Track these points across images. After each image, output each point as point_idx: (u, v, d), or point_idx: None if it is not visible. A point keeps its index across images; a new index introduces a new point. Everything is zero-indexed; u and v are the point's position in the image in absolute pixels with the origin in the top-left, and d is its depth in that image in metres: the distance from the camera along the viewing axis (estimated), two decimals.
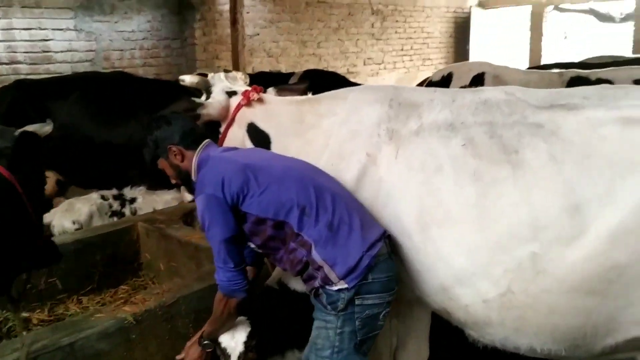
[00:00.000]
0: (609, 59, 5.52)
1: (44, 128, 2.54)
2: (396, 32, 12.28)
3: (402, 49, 12.53)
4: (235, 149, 2.66)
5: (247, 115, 2.95)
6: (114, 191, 4.46)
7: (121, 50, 7.77)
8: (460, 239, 2.22)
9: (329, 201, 2.31)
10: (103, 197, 4.36)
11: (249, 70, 8.53)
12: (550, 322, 2.09)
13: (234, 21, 7.61)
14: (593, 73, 4.78)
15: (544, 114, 2.16)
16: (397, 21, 12.23)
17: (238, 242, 2.36)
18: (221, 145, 2.92)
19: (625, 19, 14.59)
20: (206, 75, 3.20)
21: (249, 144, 2.91)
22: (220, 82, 3.10)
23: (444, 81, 5.48)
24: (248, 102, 2.96)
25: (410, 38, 12.71)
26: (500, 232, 2.11)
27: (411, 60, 12.84)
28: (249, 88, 3.03)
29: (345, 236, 2.26)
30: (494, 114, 2.29)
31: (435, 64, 13.20)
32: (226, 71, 3.32)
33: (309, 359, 2.37)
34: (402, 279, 2.47)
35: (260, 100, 2.98)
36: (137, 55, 7.95)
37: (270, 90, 3.23)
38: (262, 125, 2.91)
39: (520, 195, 2.08)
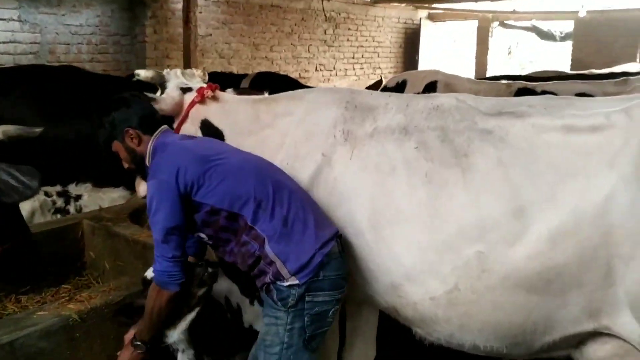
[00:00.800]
0: (553, 73, 5.80)
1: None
2: (348, 40, 12.44)
3: (353, 57, 12.70)
4: (193, 137, 2.63)
5: (201, 112, 2.94)
6: (58, 187, 4.31)
7: (67, 44, 7.54)
8: (411, 238, 2.28)
9: (285, 197, 2.32)
10: (46, 194, 4.20)
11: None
12: (493, 319, 2.18)
13: (187, 20, 7.54)
14: (539, 85, 5.00)
15: (493, 121, 2.25)
16: (349, 29, 12.39)
17: (181, 233, 2.31)
18: None
19: (564, 37, 15.31)
20: None
21: None
22: (175, 78, 3.07)
23: (399, 87, 5.61)
24: (202, 99, 2.94)
25: (362, 46, 12.90)
26: (449, 232, 2.19)
27: (362, 68, 13.02)
28: (205, 85, 3.02)
29: (299, 233, 2.27)
30: (446, 119, 2.37)
31: (385, 73, 13.43)
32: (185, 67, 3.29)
33: (258, 356, 2.36)
34: (354, 278, 2.51)
35: (215, 98, 2.97)
36: (85, 50, 7.74)
37: (229, 91, 3.22)
38: (216, 122, 2.90)
39: (469, 197, 2.16)
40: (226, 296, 2.90)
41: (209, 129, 2.90)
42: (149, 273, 2.59)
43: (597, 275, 1.99)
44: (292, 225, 2.27)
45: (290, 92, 2.91)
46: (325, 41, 11.83)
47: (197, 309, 2.55)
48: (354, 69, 12.73)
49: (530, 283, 2.07)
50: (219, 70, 8.92)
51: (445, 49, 15.24)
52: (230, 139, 2.85)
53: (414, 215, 2.27)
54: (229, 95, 3.08)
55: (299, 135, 2.66)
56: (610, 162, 1.95)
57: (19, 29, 7.00)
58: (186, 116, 2.95)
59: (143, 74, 3.09)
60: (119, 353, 2.51)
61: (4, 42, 6.90)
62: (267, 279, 2.26)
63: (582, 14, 12.39)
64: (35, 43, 7.20)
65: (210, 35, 9.40)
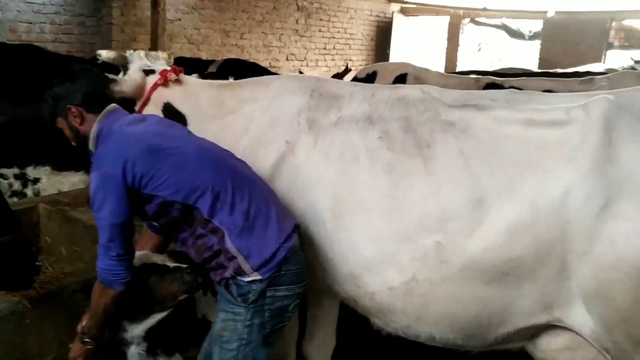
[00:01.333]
0: (520, 70, 5.88)
1: None
2: (320, 31, 12.39)
3: (324, 48, 12.67)
4: (144, 120, 2.42)
5: (163, 95, 2.86)
6: (16, 170, 4.17)
7: (30, 22, 7.32)
8: (371, 228, 2.27)
9: (246, 189, 2.22)
10: (2, 176, 4.07)
11: None
12: (450, 310, 2.19)
13: (155, 3, 7.39)
14: (506, 81, 5.05)
15: (456, 113, 2.26)
16: (321, 19, 12.34)
17: (128, 229, 2.17)
18: None
19: (533, 36, 15.55)
20: None
21: None
22: (138, 60, 2.98)
23: (369, 78, 5.61)
24: (165, 82, 2.87)
25: (334, 38, 12.88)
26: (409, 222, 2.18)
27: (333, 59, 13.01)
28: (169, 68, 2.95)
29: (262, 227, 2.18)
30: (410, 110, 2.36)
31: (356, 65, 13.43)
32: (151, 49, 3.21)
33: (213, 352, 2.29)
34: (313, 268, 2.49)
35: (178, 81, 2.90)
36: (48, 30, 7.52)
37: (194, 76, 3.16)
38: (179, 106, 2.84)
39: (430, 187, 2.16)
40: None
41: (171, 113, 2.83)
42: None
43: (552, 268, 2.01)
44: (254, 219, 2.18)
45: (256, 78, 2.87)
46: (297, 31, 11.76)
47: (169, 311, 2.45)
48: (325, 60, 12.70)
49: (487, 275, 2.09)
50: (187, 56, 8.79)
51: (417, 43, 15.32)
52: (193, 124, 2.79)
53: (374, 204, 2.27)
54: (193, 79, 3.02)
55: (263, 122, 2.63)
56: (568, 157, 1.97)
57: None
58: (148, 99, 2.87)
59: (105, 54, 3.00)
60: (70, 345, 2.41)
61: None
62: (227, 274, 2.17)
63: (550, 14, 12.62)
64: None
65: (180, 19, 9.25)
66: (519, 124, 2.12)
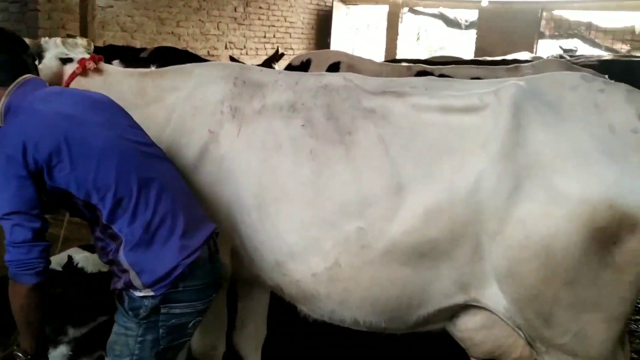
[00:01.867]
0: (450, 59, 6.03)
1: None
2: (259, 19, 12.27)
3: (264, 36, 12.56)
4: (61, 95, 2.21)
5: (82, 84, 2.76)
6: None
7: None
8: (294, 216, 2.28)
9: (152, 196, 2.04)
10: None
11: (100, 44, 8.01)
12: (371, 294, 2.23)
13: None
14: (437, 69, 5.15)
15: (376, 100, 2.29)
16: (260, 7, 12.22)
17: (34, 214, 1.96)
18: None
19: (469, 26, 15.90)
20: None
21: None
22: (54, 48, 2.86)
23: (303, 66, 5.58)
24: (84, 71, 2.77)
25: (273, 26, 12.78)
26: (331, 208, 2.21)
27: (273, 48, 12.77)
28: (87, 56, 2.85)
29: (161, 242, 2.01)
30: (333, 97, 2.37)
31: (297, 53, 13.39)
32: (69, 36, 3.08)
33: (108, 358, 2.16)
34: (241, 258, 2.49)
35: (98, 70, 2.81)
36: None
37: (115, 63, 3.06)
38: None
39: (351, 174, 2.19)
40: None
41: None
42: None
43: (467, 250, 2.08)
44: (154, 232, 2.00)
45: (178, 66, 2.81)
46: (235, 19, 11.61)
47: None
48: (265, 48, 12.58)
49: (406, 258, 2.13)
50: (120, 44, 8.51)
51: (358, 32, 15.40)
52: None
53: (297, 192, 2.27)
54: (113, 67, 2.93)
55: (185, 111, 2.58)
56: (481, 142, 2.03)
57: None
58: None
59: None
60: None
61: None
62: (119, 285, 2.03)
63: (484, 3, 12.95)
64: None
65: (112, 6, 8.95)
66: (436, 110, 2.16)
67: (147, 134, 2.31)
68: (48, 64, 2.78)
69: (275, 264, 2.38)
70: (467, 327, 2.30)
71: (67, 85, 2.75)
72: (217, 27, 11.17)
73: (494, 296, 2.12)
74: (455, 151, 2.08)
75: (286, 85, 2.50)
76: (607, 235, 1.90)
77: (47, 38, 2.93)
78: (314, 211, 2.24)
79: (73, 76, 2.76)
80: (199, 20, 10.69)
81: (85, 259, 2.80)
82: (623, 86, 2.09)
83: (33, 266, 1.95)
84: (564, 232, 1.91)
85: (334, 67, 5.35)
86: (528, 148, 1.97)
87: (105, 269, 2.64)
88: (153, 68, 2.99)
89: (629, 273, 1.95)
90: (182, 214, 2.08)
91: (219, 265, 2.24)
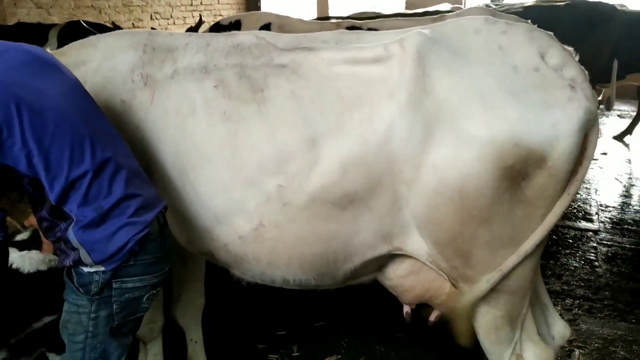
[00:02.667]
0: (373, 14, 6.01)
1: None
2: None
3: (191, 4, 12.14)
4: (4, 52, 1.97)
5: None
6: None
7: None
8: (215, 179, 2.25)
9: (106, 177, 1.96)
10: None
11: (13, 22, 7.57)
12: (297, 252, 2.25)
13: None
14: (365, 23, 5.12)
15: (288, 56, 2.26)
16: None
17: None
18: None
19: None
20: None
21: None
22: None
23: (232, 28, 5.42)
24: None
25: None
26: (250, 168, 2.19)
27: (201, 15, 12.52)
28: None
29: (113, 220, 1.95)
30: (245, 56, 2.33)
31: None
32: None
33: (63, 340, 2.11)
34: (172, 228, 2.45)
35: None
36: None
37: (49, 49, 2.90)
38: None
39: (266, 131, 2.17)
40: None
41: None
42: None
43: (385, 200, 2.11)
44: (106, 213, 1.93)
45: (79, 41, 2.68)
46: None
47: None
48: (192, 16, 12.18)
49: (327, 213, 2.15)
50: (36, 22, 8.05)
51: None
52: None
53: (215, 155, 2.24)
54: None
55: (96, 84, 2.47)
56: (389, 91, 2.04)
57: None
58: None
59: None
60: None
61: None
62: (68, 262, 1.98)
63: None
64: None
65: None
66: (345, 62, 2.16)
67: (97, 105, 2.17)
68: None
69: (203, 229, 2.36)
70: (395, 275, 2.37)
71: None
72: None
73: (416, 243, 2.18)
74: (364, 102, 2.09)
75: (197, 47, 2.43)
76: (516, 172, 1.97)
77: None
78: (234, 172, 2.22)
79: None
80: None
81: (20, 259, 2.59)
82: (524, 26, 2.14)
83: None
84: (475, 174, 1.97)
85: (265, 28, 5.24)
86: (434, 95, 2.00)
87: (43, 267, 2.53)
88: (48, 49, 2.81)
89: (540, 206, 2.04)
90: (134, 193, 2.02)
91: (170, 239, 2.20)
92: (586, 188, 6.79)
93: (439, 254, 2.14)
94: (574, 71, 2.04)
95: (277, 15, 5.77)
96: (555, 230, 5.54)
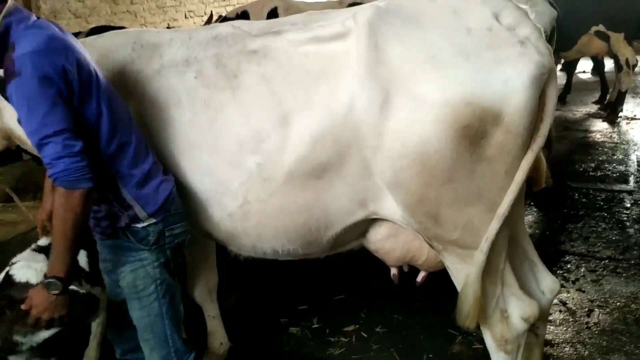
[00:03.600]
0: None
1: None
2: None
3: None
4: (63, 31, 2.18)
5: None
6: None
7: None
8: (202, 163, 2.43)
9: (142, 142, 2.31)
10: None
11: None
12: (281, 223, 2.39)
13: None
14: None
15: (259, 41, 2.39)
16: None
17: (75, 133, 2.00)
18: None
19: None
20: None
21: (2, 102, 2.87)
22: None
23: (240, 18, 5.58)
24: None
25: None
26: (231, 150, 2.35)
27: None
28: None
29: (154, 180, 2.28)
30: (221, 46, 2.48)
31: None
32: None
33: (132, 308, 2.38)
34: None
35: None
36: None
37: None
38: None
39: (241, 115, 2.32)
40: None
41: None
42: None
43: (355, 167, 2.22)
44: (148, 174, 2.26)
45: (80, 41, 2.89)
46: None
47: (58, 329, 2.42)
48: (226, 11, 12.46)
49: (304, 184, 2.28)
50: (77, 31, 8.50)
51: None
52: None
53: (200, 141, 2.41)
54: None
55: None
56: (348, 64, 2.14)
57: None
58: None
59: None
60: (29, 300, 2.11)
61: None
62: (122, 223, 2.25)
63: None
64: None
65: None
66: (309, 42, 2.28)
67: None
68: None
69: (198, 211, 2.54)
70: (376, 239, 2.47)
71: None
72: None
73: (390, 207, 2.28)
74: (329, 77, 2.20)
75: (180, 41, 2.60)
76: (473, 131, 2.03)
77: None
78: (217, 156, 2.38)
79: None
80: None
81: (24, 270, 2.72)
82: None
83: (88, 171, 2.00)
84: (433, 136, 2.04)
85: (273, 14, 5.37)
86: (388, 63, 2.08)
87: None
88: None
89: (502, 162, 2.09)
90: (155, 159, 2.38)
91: None
92: (623, 149, 6.59)
93: (410, 216, 2.23)
94: (528, 29, 2.08)
95: (281, 0, 5.86)
96: (587, 193, 5.45)
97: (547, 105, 2.11)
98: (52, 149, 1.95)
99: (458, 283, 2.34)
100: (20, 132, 2.99)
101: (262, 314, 3.86)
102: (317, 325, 3.71)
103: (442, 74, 2.03)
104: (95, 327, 3.05)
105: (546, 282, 2.55)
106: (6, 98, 2.10)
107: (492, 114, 2.01)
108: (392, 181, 2.18)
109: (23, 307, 2.13)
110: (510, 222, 2.23)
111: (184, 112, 2.44)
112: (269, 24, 2.50)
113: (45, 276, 2.05)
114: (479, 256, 2.20)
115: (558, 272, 4.09)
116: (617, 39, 7.18)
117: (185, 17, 11.38)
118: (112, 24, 9.38)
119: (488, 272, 2.26)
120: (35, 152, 2.47)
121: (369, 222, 2.42)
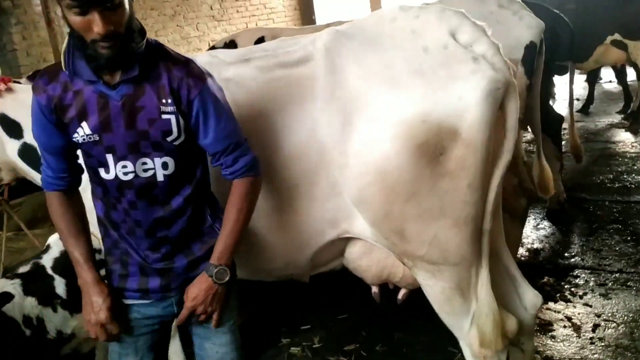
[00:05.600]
0: None
1: None
2: (238, 12, 12.43)
3: (246, 27, 12.71)
4: None
5: None
6: None
7: None
8: None
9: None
10: None
11: None
12: (263, 242, 2.45)
13: (49, 21, 7.47)
14: None
15: (232, 69, 2.49)
16: (237, 0, 12.38)
17: None
18: None
19: None
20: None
21: (3, 136, 3.04)
22: None
23: (228, 48, 5.68)
24: None
25: (254, 15, 12.91)
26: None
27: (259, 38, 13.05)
28: None
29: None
30: None
31: None
32: None
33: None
34: None
35: (10, 90, 3.09)
36: None
37: (24, 81, 3.34)
38: (12, 114, 3.02)
39: None
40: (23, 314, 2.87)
41: (7, 123, 3.03)
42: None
43: (325, 188, 2.28)
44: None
45: None
46: (213, 17, 11.81)
47: None
48: None
49: (278, 205, 2.35)
50: None
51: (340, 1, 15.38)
52: (28, 130, 3.00)
53: None
54: (22, 85, 3.19)
55: None
56: (311, 88, 2.22)
57: None
58: None
59: None
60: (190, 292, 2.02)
61: None
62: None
63: None
64: None
65: None
66: (277, 67, 2.36)
67: None
68: None
69: None
70: (352, 258, 2.51)
71: None
72: (197, 28, 11.42)
73: (360, 224, 2.32)
74: (295, 101, 2.28)
75: None
76: (431, 147, 2.07)
77: None
78: None
79: None
80: (177, 25, 10.96)
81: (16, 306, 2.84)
82: (436, 7, 2.23)
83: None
84: (392, 154, 2.09)
85: (260, 42, 5.48)
86: (346, 85, 2.15)
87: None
88: None
89: (464, 177, 2.11)
90: None
91: None
92: None
93: (377, 232, 2.27)
94: (485, 45, 2.11)
95: (269, 28, 6.02)
96: (602, 205, 5.33)
97: (508, 121, 2.13)
98: (244, 150, 2.03)
99: (431, 300, 2.35)
100: (22, 165, 3.15)
101: (265, 334, 3.91)
102: (318, 345, 3.73)
103: (398, 93, 2.07)
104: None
105: (528, 297, 2.52)
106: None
107: (448, 129, 2.04)
108: (357, 199, 2.23)
109: (188, 304, 2.01)
110: (480, 238, 2.23)
111: None
112: (243, 52, 2.60)
113: (213, 265, 1.99)
114: (482, 273, 2.21)
115: (566, 286, 4.01)
116: (636, 47, 7.04)
117: (209, 46, 11.69)
118: None
119: (461, 287, 2.27)
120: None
121: (345, 241, 2.46)
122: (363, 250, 2.45)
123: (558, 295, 3.91)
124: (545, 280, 4.10)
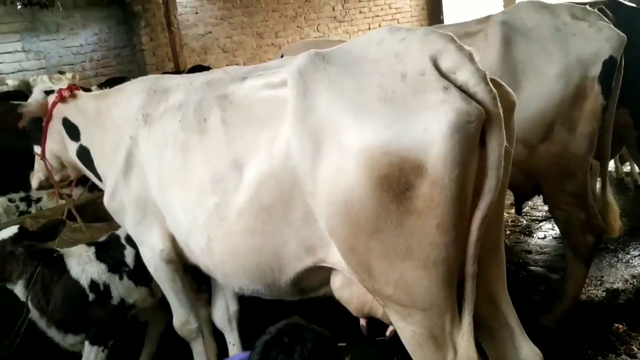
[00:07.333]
0: None
1: None
2: (360, 12, 12.45)
3: (369, 29, 12.67)
4: None
5: (62, 110, 3.39)
6: (22, 194, 4.97)
7: (71, 64, 8.34)
8: (179, 200, 2.62)
9: None
10: (10, 200, 4.89)
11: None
12: (238, 263, 2.45)
13: (169, 24, 8.07)
14: None
15: (231, 86, 2.51)
16: (360, 1, 12.39)
17: None
18: (44, 137, 3.38)
19: None
20: None
21: (65, 137, 3.36)
22: (41, 83, 3.55)
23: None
24: (62, 99, 3.38)
25: (377, 16, 12.84)
26: (196, 189, 2.49)
27: None
28: (65, 87, 3.46)
29: None
30: (207, 91, 2.64)
31: None
32: (61, 73, 3.75)
33: None
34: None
35: (74, 96, 3.41)
36: (88, 67, 8.53)
37: (93, 88, 3.65)
38: (73, 119, 3.35)
39: (203, 156, 2.46)
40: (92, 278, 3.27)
41: (68, 125, 3.36)
42: None
43: (299, 213, 2.20)
44: None
45: (119, 86, 3.29)
46: (335, 18, 11.95)
47: None
48: None
49: (252, 226, 2.33)
50: (224, 65, 9.41)
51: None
52: (84, 132, 3.32)
53: (176, 179, 2.60)
54: (84, 93, 3.50)
55: (120, 122, 3.05)
56: (285, 111, 2.15)
57: (24, 59, 7.86)
58: (51, 115, 3.42)
59: (10, 83, 3.60)
60: None
61: (13, 72, 7.76)
62: None
63: None
64: (42, 68, 8.03)
65: (210, 32, 9.91)
66: (264, 88, 2.33)
67: None
68: (35, 96, 3.46)
69: (184, 243, 2.73)
70: (335, 287, 2.41)
71: (51, 111, 3.39)
72: (317, 29, 11.63)
73: (335, 254, 2.21)
74: (272, 123, 2.23)
75: (183, 86, 2.83)
76: (395, 181, 1.90)
77: (34, 77, 3.62)
78: (187, 194, 2.55)
79: (54, 104, 3.41)
80: (297, 27, 11.26)
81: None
82: (421, 30, 2.04)
83: None
84: (355, 185, 1.96)
85: None
86: (317, 110, 2.04)
87: None
88: (105, 89, 3.48)
89: (432, 216, 1.91)
90: None
91: None
92: None
93: (347, 265, 2.15)
94: (468, 72, 1.89)
95: (315, 40, 5.90)
96: None
97: (490, 158, 1.90)
98: None
99: (404, 343, 2.17)
100: (80, 165, 3.46)
101: None
102: None
103: (362, 121, 1.93)
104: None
105: (524, 352, 2.24)
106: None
107: (411, 164, 1.86)
108: (327, 228, 2.12)
109: None
110: (454, 280, 2.02)
111: (168, 152, 2.67)
112: (248, 69, 2.60)
113: None
114: (465, 321, 2.03)
115: (638, 338, 3.49)
116: None
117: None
118: (256, 58, 10.16)
119: (434, 334, 2.07)
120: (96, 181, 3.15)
121: (328, 270, 2.37)
122: (343, 282, 2.34)
123: (623, 347, 3.42)
124: (613, 327, 3.60)
